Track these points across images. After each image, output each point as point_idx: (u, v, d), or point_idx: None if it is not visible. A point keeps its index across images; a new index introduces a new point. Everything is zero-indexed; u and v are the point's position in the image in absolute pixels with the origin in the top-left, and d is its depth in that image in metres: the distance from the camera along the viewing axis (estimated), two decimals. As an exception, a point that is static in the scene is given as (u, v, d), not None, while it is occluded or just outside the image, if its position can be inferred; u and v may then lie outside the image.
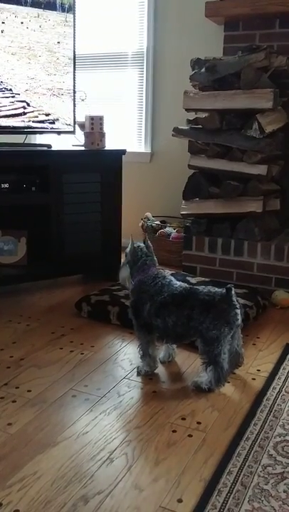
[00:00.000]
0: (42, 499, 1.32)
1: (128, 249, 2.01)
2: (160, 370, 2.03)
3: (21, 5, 2.71)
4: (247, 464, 1.46)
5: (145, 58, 3.66)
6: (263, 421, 1.68)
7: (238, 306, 1.86)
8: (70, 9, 2.89)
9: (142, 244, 2.01)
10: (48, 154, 2.86)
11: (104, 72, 3.85)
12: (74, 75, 3.01)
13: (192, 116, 2.99)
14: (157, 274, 1.97)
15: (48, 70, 2.86)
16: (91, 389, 1.87)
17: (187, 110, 2.97)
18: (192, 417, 1.71)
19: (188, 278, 2.81)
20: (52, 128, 2.88)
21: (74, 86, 3.03)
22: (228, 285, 1.86)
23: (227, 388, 1.89)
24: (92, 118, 3.00)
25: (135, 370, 2.01)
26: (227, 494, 1.34)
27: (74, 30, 2.94)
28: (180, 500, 1.33)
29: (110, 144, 3.14)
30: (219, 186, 2.93)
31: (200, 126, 2.94)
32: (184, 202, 3.08)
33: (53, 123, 2.92)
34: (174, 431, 1.63)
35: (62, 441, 1.56)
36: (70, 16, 2.90)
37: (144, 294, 1.94)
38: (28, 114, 2.82)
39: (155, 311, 1.91)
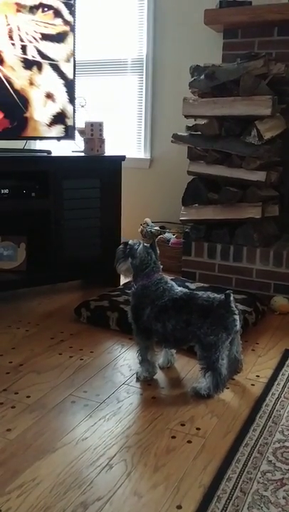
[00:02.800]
0: (41, 505, 1.32)
1: (138, 250, 1.96)
2: (159, 375, 2.03)
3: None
4: (246, 470, 1.46)
5: (145, 65, 3.68)
6: (262, 427, 1.68)
7: (236, 311, 1.87)
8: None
9: (151, 251, 1.99)
10: (47, 160, 2.87)
11: (104, 78, 3.86)
12: (74, 81, 3.03)
13: (191, 122, 3.00)
14: (160, 280, 1.98)
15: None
16: (90, 395, 1.87)
17: (186, 117, 2.99)
18: (191, 423, 1.71)
19: (187, 284, 2.81)
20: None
21: (74, 92, 3.04)
22: (227, 291, 1.87)
23: (226, 394, 1.89)
24: (91, 124, 3.02)
25: (134, 375, 2.01)
26: (226, 501, 1.34)
27: (74, 37, 2.96)
28: (179, 507, 1.33)
29: (110, 149, 3.15)
30: (218, 192, 2.94)
31: (199, 133, 2.95)
32: (183, 208, 3.09)
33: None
34: (173, 437, 1.63)
35: (62, 447, 1.56)
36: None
37: (146, 298, 1.94)
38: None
39: (155, 315, 1.91)
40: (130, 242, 2.02)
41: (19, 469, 1.45)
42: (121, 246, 2.04)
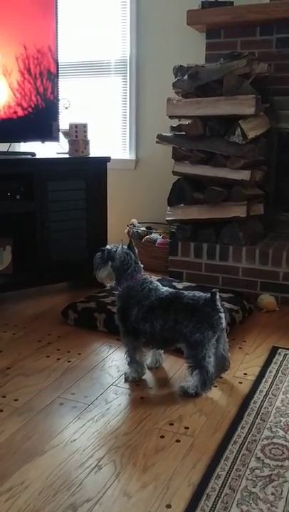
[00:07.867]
0: (30, 509, 1.31)
1: (117, 252, 1.97)
2: (147, 376, 2.03)
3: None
4: (235, 468, 1.47)
5: (128, 66, 3.68)
6: (250, 424, 1.69)
7: (221, 310, 1.87)
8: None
9: (130, 251, 2.00)
10: (32, 162, 2.86)
11: (87, 79, 3.86)
12: (57, 82, 3.02)
13: (176, 123, 3.01)
14: (145, 280, 1.98)
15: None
16: (78, 396, 1.87)
17: (171, 117, 3.00)
18: (180, 422, 1.71)
19: (174, 283, 2.81)
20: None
21: (57, 94, 3.03)
22: (213, 290, 1.87)
23: (214, 392, 1.90)
24: (76, 126, 3.01)
25: (122, 376, 2.01)
26: (216, 498, 1.34)
27: (56, 39, 2.95)
28: (169, 506, 1.33)
29: (95, 151, 3.15)
30: (203, 192, 2.95)
31: (183, 133, 2.96)
32: (168, 208, 3.09)
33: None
34: (161, 436, 1.63)
35: (50, 449, 1.55)
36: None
37: (133, 299, 1.94)
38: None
39: (143, 316, 1.91)
40: (107, 247, 2.02)
41: (7, 473, 1.44)
42: (98, 253, 2.03)
